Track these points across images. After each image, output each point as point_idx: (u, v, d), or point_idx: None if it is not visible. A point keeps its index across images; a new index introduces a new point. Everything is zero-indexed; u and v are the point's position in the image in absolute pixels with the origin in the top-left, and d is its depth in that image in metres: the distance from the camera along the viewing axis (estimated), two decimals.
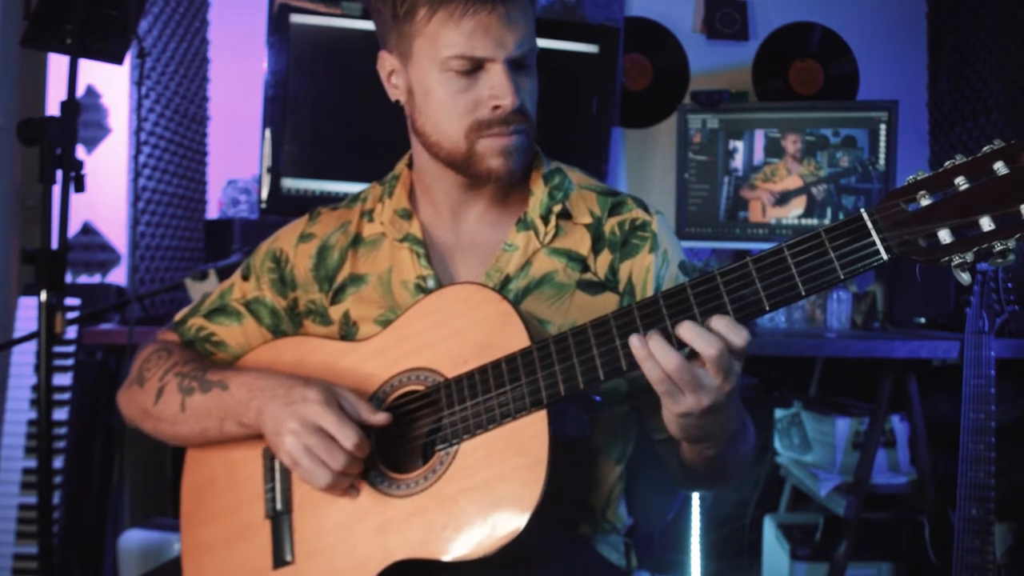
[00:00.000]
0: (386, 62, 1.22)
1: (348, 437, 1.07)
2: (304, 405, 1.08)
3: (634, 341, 0.97)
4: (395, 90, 1.23)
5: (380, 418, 1.10)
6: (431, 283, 1.23)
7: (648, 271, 1.23)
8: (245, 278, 1.34)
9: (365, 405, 1.10)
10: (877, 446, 2.19)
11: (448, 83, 1.14)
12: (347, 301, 1.27)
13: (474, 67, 1.13)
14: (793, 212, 2.39)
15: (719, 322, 0.95)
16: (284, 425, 1.09)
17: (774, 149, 2.40)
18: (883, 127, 2.34)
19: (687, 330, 0.95)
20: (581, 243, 1.24)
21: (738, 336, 0.94)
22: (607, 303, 1.22)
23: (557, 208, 1.24)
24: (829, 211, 2.37)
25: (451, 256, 1.27)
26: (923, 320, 2.26)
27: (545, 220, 1.24)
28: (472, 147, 1.16)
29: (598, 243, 1.24)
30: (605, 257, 1.24)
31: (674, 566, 2.46)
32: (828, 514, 2.37)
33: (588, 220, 1.25)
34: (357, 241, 1.30)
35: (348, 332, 1.26)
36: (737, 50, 2.81)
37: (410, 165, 1.31)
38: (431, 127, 1.18)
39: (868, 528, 2.30)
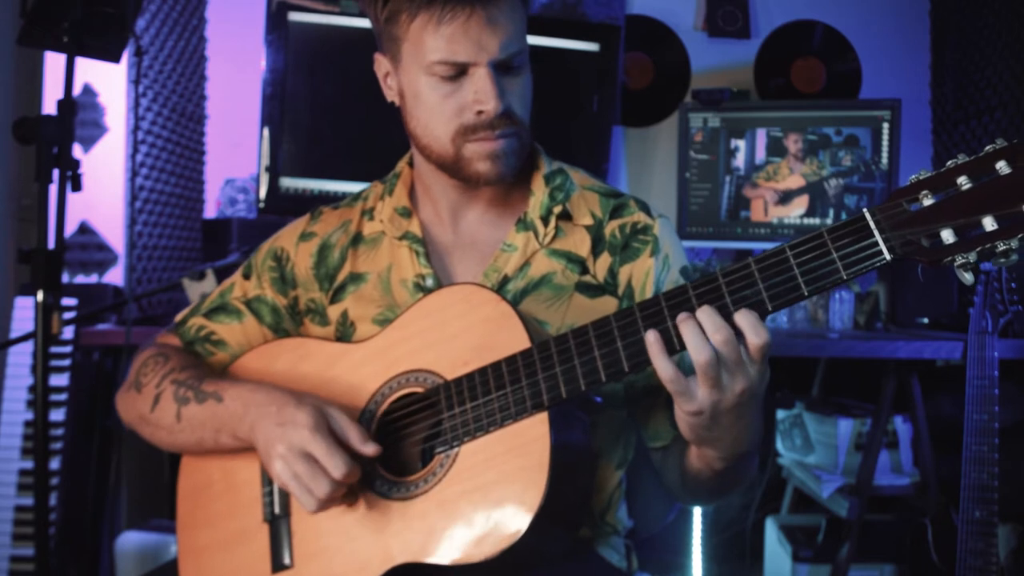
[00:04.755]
0: (381, 64, 1.22)
1: (336, 467, 1.03)
2: (293, 429, 1.05)
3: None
4: (390, 91, 1.23)
5: (370, 449, 1.06)
6: (430, 282, 1.22)
7: (648, 275, 1.21)
8: (246, 277, 1.33)
9: (356, 432, 1.06)
10: (880, 447, 2.18)
11: (434, 88, 1.13)
12: (346, 300, 1.26)
13: (458, 72, 1.12)
14: (795, 211, 2.38)
15: (742, 317, 0.93)
16: (273, 448, 1.06)
17: (776, 148, 2.38)
18: (886, 126, 2.33)
19: (705, 315, 0.94)
20: (581, 245, 1.23)
21: (758, 336, 0.92)
22: (606, 306, 1.20)
23: (557, 209, 1.23)
24: (831, 210, 2.35)
25: (450, 255, 1.26)
26: (926, 320, 2.25)
27: (545, 221, 1.23)
28: (459, 151, 1.15)
29: (598, 245, 1.23)
30: (605, 260, 1.22)
31: (675, 568, 2.45)
32: (830, 516, 2.36)
33: (589, 222, 1.24)
34: (357, 240, 1.29)
35: (345, 332, 1.25)
36: (739, 48, 2.80)
37: (411, 163, 1.30)
38: (421, 130, 1.18)
39: (871, 530, 2.29)
